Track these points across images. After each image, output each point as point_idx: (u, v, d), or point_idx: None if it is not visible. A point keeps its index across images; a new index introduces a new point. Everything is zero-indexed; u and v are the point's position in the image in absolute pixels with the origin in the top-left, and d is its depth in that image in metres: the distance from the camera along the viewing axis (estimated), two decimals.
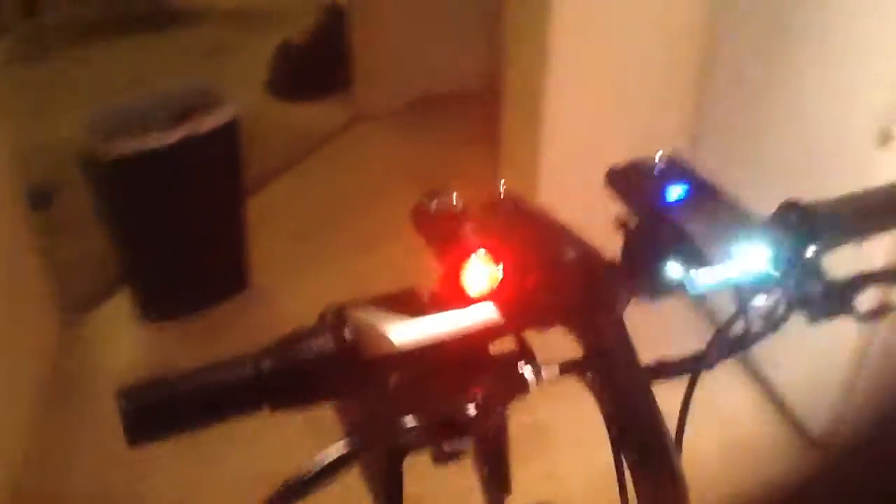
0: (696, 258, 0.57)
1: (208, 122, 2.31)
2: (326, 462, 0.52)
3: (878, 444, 1.98)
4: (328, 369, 0.53)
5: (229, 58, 4.35)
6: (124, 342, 2.46)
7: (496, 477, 1.13)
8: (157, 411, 0.51)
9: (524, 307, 0.54)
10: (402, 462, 0.55)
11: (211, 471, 1.99)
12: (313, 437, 2.14)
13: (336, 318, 0.54)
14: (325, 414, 2.11)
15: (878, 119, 1.68)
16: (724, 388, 2.22)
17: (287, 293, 2.63)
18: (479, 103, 3.72)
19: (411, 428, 0.50)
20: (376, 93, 3.78)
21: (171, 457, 1.99)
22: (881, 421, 2.03)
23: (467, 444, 0.52)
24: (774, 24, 2.03)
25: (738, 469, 2.01)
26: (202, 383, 0.52)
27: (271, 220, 2.98)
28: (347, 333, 0.54)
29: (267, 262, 2.74)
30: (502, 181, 0.61)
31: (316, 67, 3.95)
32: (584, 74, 2.33)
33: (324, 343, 0.53)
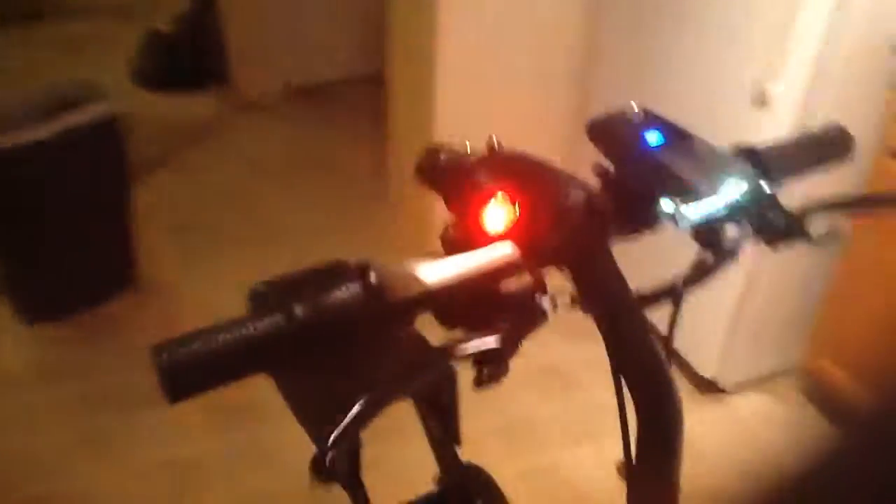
0: (685, 193, 0.62)
1: (85, 116, 2.22)
2: (392, 386, 0.53)
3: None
4: (358, 315, 0.55)
5: (100, 49, 4.15)
6: (5, 346, 2.32)
7: (446, 429, 1.17)
8: (195, 366, 0.51)
9: (538, 244, 0.58)
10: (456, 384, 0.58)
11: (113, 463, 1.95)
12: (213, 428, 2.12)
13: (359, 267, 0.56)
14: (225, 403, 2.09)
15: (755, 81, 1.82)
16: None
17: (177, 287, 2.58)
18: (364, 89, 3.73)
19: (460, 356, 0.53)
20: (255, 81, 3.70)
21: (73, 452, 1.96)
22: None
23: (505, 370, 0.54)
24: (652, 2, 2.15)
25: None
26: (238, 335, 0.52)
27: (155, 214, 2.89)
28: (373, 278, 0.55)
29: (154, 257, 2.67)
30: (493, 135, 0.64)
31: (187, 56, 3.82)
32: (472, 55, 2.39)
33: (352, 290, 0.55)
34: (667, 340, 0.69)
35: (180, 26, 3.84)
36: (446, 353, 0.53)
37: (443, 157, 0.64)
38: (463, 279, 0.55)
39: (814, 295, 2.09)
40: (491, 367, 0.54)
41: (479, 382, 0.54)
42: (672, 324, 0.70)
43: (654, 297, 0.69)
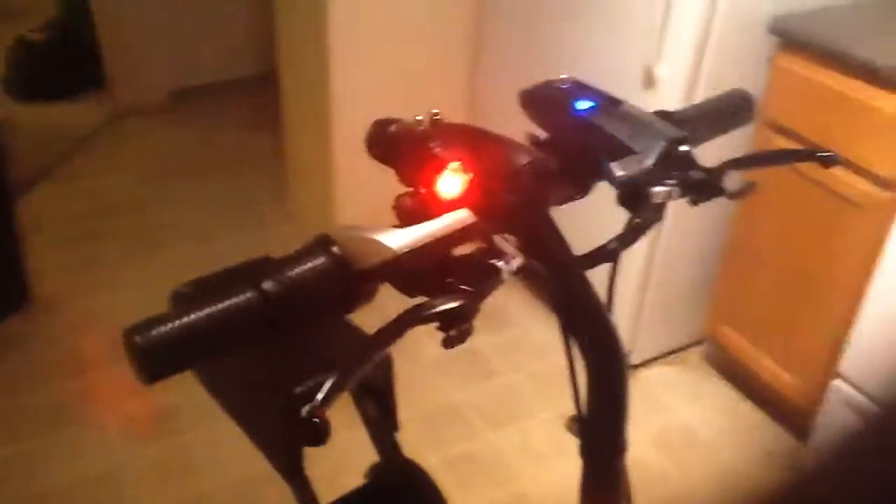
0: (619, 153, 0.66)
1: None
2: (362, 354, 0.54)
3: None
4: (325, 285, 0.56)
5: None
6: None
7: (385, 416, 1.18)
8: (169, 346, 0.51)
9: (490, 209, 0.60)
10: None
11: (30, 485, 1.88)
12: (131, 439, 2.07)
13: (322, 239, 0.57)
14: (141, 414, 2.04)
15: (643, 63, 1.91)
16: (535, 326, 2.42)
17: (73, 301, 2.49)
18: (252, 89, 3.68)
19: (425, 316, 0.55)
20: (136, 86, 3.59)
21: None
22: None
23: (470, 330, 0.57)
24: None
25: (551, 395, 2.20)
26: (210, 313, 0.53)
27: (43, 228, 2.78)
28: (336, 250, 0.57)
29: (46, 272, 2.57)
30: (435, 110, 0.66)
31: (61, 64, 3.67)
32: (366, 43, 2.40)
33: (317, 261, 0.56)
34: (608, 299, 0.73)
35: (50, 33, 3.67)
36: (415, 313, 0.55)
37: (393, 128, 0.66)
38: (426, 244, 0.57)
39: (711, 265, 2.21)
40: (457, 328, 0.57)
41: (448, 343, 0.56)
42: (612, 283, 0.74)
43: (593, 260, 0.72)
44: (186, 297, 1.17)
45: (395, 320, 0.55)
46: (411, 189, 0.62)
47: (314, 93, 2.52)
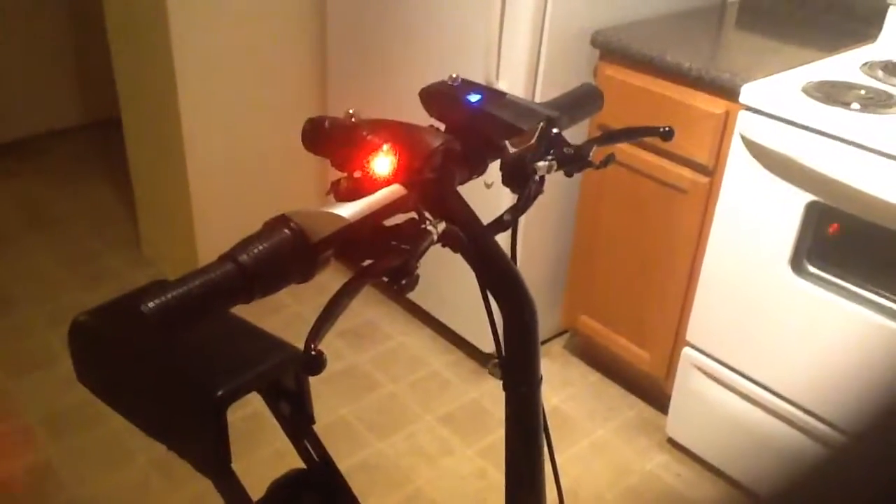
0: (509, 133, 0.80)
1: None
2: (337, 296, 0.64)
3: None
4: (289, 256, 0.66)
5: None
6: None
7: (300, 410, 1.26)
8: (177, 307, 0.59)
9: (415, 184, 0.72)
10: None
11: None
12: (55, 434, 2.00)
13: (282, 218, 0.67)
14: (61, 409, 2.03)
15: (485, 79, 2.09)
16: (408, 338, 2.53)
17: None
18: (86, 136, 3.60)
19: (379, 269, 0.66)
20: None
21: None
22: None
23: (416, 279, 0.68)
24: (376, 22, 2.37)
25: (430, 400, 2.32)
26: (204, 280, 0.61)
27: None
28: (294, 225, 0.66)
29: None
30: (351, 110, 0.77)
31: None
32: (215, 87, 2.47)
33: (281, 235, 0.66)
34: (512, 258, 0.86)
35: None
36: (372, 267, 0.66)
37: (327, 123, 0.77)
38: (371, 213, 0.68)
39: (565, 262, 2.41)
40: (405, 280, 0.68)
41: (401, 291, 0.67)
42: (513, 246, 0.88)
43: (495, 228, 0.86)
44: (85, 326, 1.21)
45: (358, 273, 0.65)
46: (345, 174, 0.72)
47: (163, 132, 2.54)
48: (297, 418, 1.24)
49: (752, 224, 1.85)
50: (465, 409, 2.30)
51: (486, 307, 0.83)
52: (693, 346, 2.06)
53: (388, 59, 2.39)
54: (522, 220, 0.94)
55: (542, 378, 0.84)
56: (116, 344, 1.18)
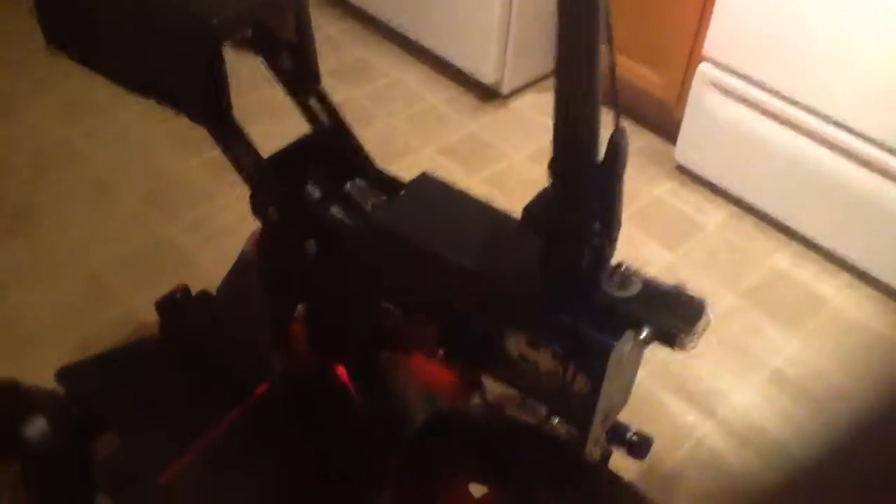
0: None
1: None
2: None
3: None
4: None
5: None
6: None
7: (301, 68, 1.14)
8: None
9: None
10: None
11: None
12: None
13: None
14: None
15: None
16: (405, 74, 2.41)
17: None
18: None
19: None
20: None
21: None
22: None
23: None
24: None
25: (428, 133, 2.22)
26: None
27: None
28: None
29: None
30: None
31: None
32: None
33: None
34: None
35: None
36: None
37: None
38: None
39: None
40: None
41: None
42: None
43: None
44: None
45: None
46: None
47: None
48: (300, 74, 1.13)
49: None
50: (464, 142, 2.21)
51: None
52: (711, 60, 1.94)
53: None
54: None
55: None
56: None
